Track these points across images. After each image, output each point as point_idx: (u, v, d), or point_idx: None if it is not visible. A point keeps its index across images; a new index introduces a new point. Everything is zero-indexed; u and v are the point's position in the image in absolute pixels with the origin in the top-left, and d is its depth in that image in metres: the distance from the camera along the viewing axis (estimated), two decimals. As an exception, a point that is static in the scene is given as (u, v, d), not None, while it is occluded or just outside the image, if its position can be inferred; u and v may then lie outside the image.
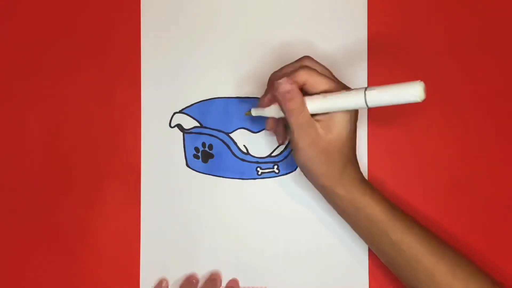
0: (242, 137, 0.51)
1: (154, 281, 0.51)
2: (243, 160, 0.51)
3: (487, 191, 0.51)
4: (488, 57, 0.51)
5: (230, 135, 0.52)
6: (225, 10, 0.52)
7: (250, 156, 0.51)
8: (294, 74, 0.42)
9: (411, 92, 0.37)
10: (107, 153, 0.52)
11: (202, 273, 0.51)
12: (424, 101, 0.37)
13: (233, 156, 0.52)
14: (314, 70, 0.42)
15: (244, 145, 0.52)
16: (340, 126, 0.41)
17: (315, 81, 0.42)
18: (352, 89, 0.40)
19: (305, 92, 0.42)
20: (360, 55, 0.51)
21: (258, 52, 0.52)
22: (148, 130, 0.52)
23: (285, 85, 0.41)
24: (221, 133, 0.52)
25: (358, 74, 0.51)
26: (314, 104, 0.42)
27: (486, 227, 0.51)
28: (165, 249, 0.52)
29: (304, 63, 0.43)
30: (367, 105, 0.39)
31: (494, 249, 0.51)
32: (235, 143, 0.51)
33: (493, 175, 0.51)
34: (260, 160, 0.51)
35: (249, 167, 0.51)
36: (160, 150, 0.52)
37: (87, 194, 0.52)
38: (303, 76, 0.42)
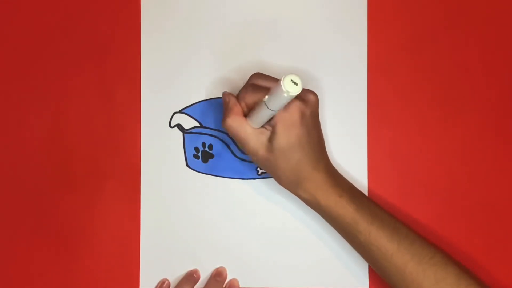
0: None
1: (154, 281, 0.51)
2: (243, 160, 0.51)
3: (487, 192, 0.51)
4: (489, 58, 0.51)
5: (230, 135, 0.52)
6: (225, 11, 0.52)
7: (250, 156, 0.51)
8: (239, 96, 0.44)
9: (282, 89, 0.37)
10: (107, 153, 0.52)
11: (202, 273, 0.51)
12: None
13: (233, 156, 0.52)
14: (251, 86, 0.44)
15: (244, 145, 0.52)
16: (279, 134, 0.42)
17: (249, 97, 0.43)
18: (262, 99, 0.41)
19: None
20: (360, 55, 0.51)
21: (258, 52, 0.52)
22: (148, 130, 0.52)
23: (224, 100, 0.45)
24: (221, 133, 0.52)
25: (359, 75, 0.51)
26: (250, 120, 0.43)
27: (485, 228, 0.51)
28: (165, 249, 0.51)
29: (248, 81, 0.45)
30: (272, 110, 0.40)
31: (493, 250, 0.51)
32: (235, 143, 0.51)
33: (494, 176, 0.51)
34: (260, 160, 0.51)
35: (249, 167, 0.51)
36: (160, 150, 0.52)
37: (87, 194, 0.52)
38: (243, 95, 0.43)
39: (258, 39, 0.52)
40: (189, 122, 0.52)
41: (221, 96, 0.51)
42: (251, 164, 0.51)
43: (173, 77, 0.52)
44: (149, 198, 0.52)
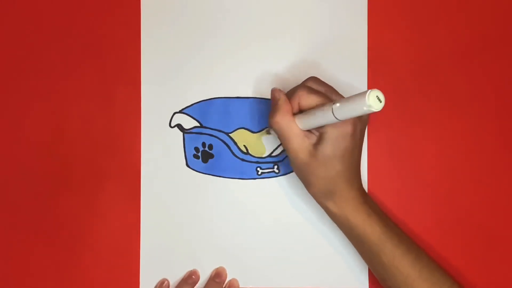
0: (242, 137, 0.52)
1: (154, 281, 0.51)
2: (243, 160, 0.51)
3: (487, 193, 0.51)
4: (489, 60, 0.51)
5: (230, 135, 0.52)
6: (225, 10, 0.52)
7: (250, 156, 0.51)
8: (293, 95, 0.43)
9: (364, 103, 0.35)
10: (107, 153, 0.52)
11: (201, 273, 0.51)
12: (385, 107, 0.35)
13: (233, 156, 0.52)
14: (308, 88, 0.43)
15: (244, 145, 0.52)
16: (327, 142, 0.41)
17: (305, 99, 0.43)
18: (326, 104, 0.40)
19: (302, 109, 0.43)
20: (360, 55, 0.51)
21: (258, 52, 0.52)
22: (148, 130, 0.52)
23: (273, 96, 0.44)
24: (221, 133, 0.52)
25: (359, 75, 0.51)
26: (298, 121, 0.42)
27: (485, 228, 0.51)
28: (165, 249, 0.52)
29: (304, 83, 0.44)
30: (336, 118, 0.39)
31: (493, 250, 0.51)
32: (235, 143, 0.51)
33: (494, 177, 0.51)
34: (260, 160, 0.51)
35: (249, 167, 0.51)
36: (160, 150, 0.52)
37: (87, 194, 0.52)
38: (297, 95, 0.43)
39: (258, 38, 0.52)
40: (189, 122, 0.52)
41: (220, 96, 0.52)
42: (251, 164, 0.51)
43: (173, 77, 0.52)
44: (149, 198, 0.52)
